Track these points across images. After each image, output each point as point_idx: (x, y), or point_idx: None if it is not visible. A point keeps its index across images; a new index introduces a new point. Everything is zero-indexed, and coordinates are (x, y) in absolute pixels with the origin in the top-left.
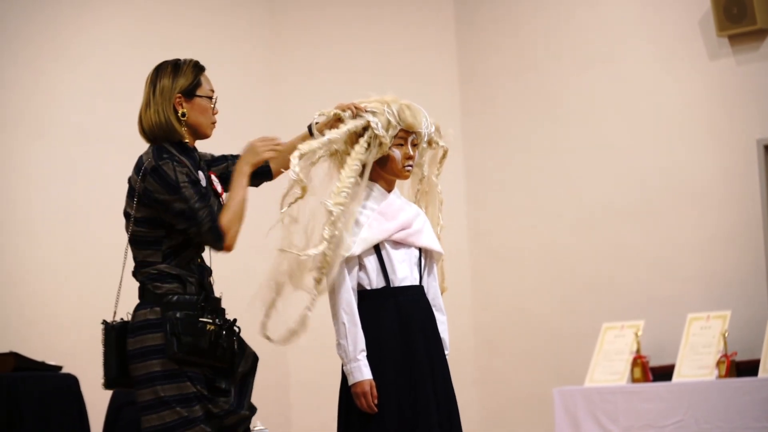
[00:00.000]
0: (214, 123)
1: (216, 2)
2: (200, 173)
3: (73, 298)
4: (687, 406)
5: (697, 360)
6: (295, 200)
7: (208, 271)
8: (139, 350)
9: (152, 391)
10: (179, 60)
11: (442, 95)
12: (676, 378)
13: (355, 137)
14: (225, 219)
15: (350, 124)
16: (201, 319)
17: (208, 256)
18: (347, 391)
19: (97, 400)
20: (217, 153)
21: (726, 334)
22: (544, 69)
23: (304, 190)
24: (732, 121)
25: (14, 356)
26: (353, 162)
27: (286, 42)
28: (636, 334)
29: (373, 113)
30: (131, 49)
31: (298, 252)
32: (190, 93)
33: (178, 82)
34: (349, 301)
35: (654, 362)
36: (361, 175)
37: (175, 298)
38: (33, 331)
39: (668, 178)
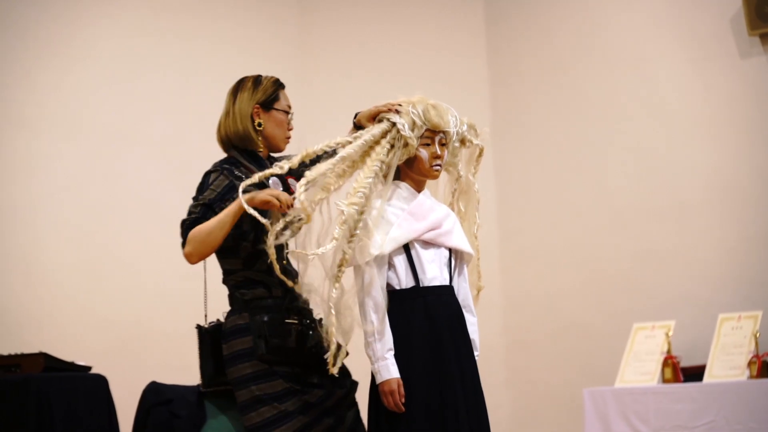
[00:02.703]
0: (288, 138)
1: (245, 1)
2: (272, 180)
3: (103, 299)
4: (718, 406)
5: (728, 360)
6: (299, 228)
7: (293, 275)
8: (231, 355)
9: (248, 392)
10: (260, 75)
11: (472, 96)
12: (707, 378)
13: (376, 142)
14: (192, 233)
15: (367, 135)
16: (286, 321)
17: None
18: (377, 391)
19: (126, 401)
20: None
21: (757, 335)
22: (574, 69)
23: (308, 218)
24: (763, 120)
25: (44, 356)
26: (374, 163)
27: (315, 42)
28: (667, 335)
29: (398, 113)
30: (161, 50)
31: (306, 252)
32: (267, 105)
33: (257, 94)
34: (378, 300)
35: (685, 363)
36: (386, 176)
37: (262, 302)
38: (63, 332)
39: (699, 178)
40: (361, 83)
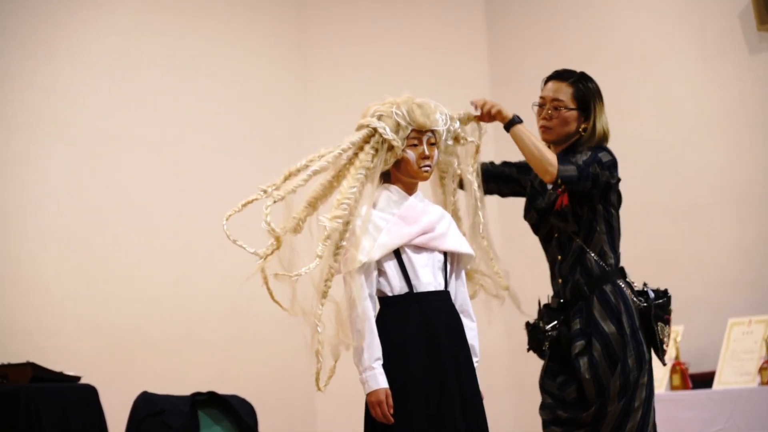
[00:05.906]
0: (541, 128)
1: (243, 1)
2: None
3: (92, 306)
4: (728, 413)
5: (738, 366)
6: (272, 252)
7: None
8: None
9: None
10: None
11: (473, 95)
12: (716, 385)
13: (359, 149)
14: None
15: (344, 143)
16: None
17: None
18: None
19: (117, 412)
20: (245, 152)
21: None
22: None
23: (278, 241)
24: None
25: (31, 366)
26: (357, 171)
27: (314, 41)
28: (675, 340)
29: (379, 117)
30: (156, 51)
31: (289, 274)
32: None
33: None
34: (366, 308)
35: (694, 369)
36: (372, 181)
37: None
38: (51, 341)
39: (709, 178)
40: (360, 83)
